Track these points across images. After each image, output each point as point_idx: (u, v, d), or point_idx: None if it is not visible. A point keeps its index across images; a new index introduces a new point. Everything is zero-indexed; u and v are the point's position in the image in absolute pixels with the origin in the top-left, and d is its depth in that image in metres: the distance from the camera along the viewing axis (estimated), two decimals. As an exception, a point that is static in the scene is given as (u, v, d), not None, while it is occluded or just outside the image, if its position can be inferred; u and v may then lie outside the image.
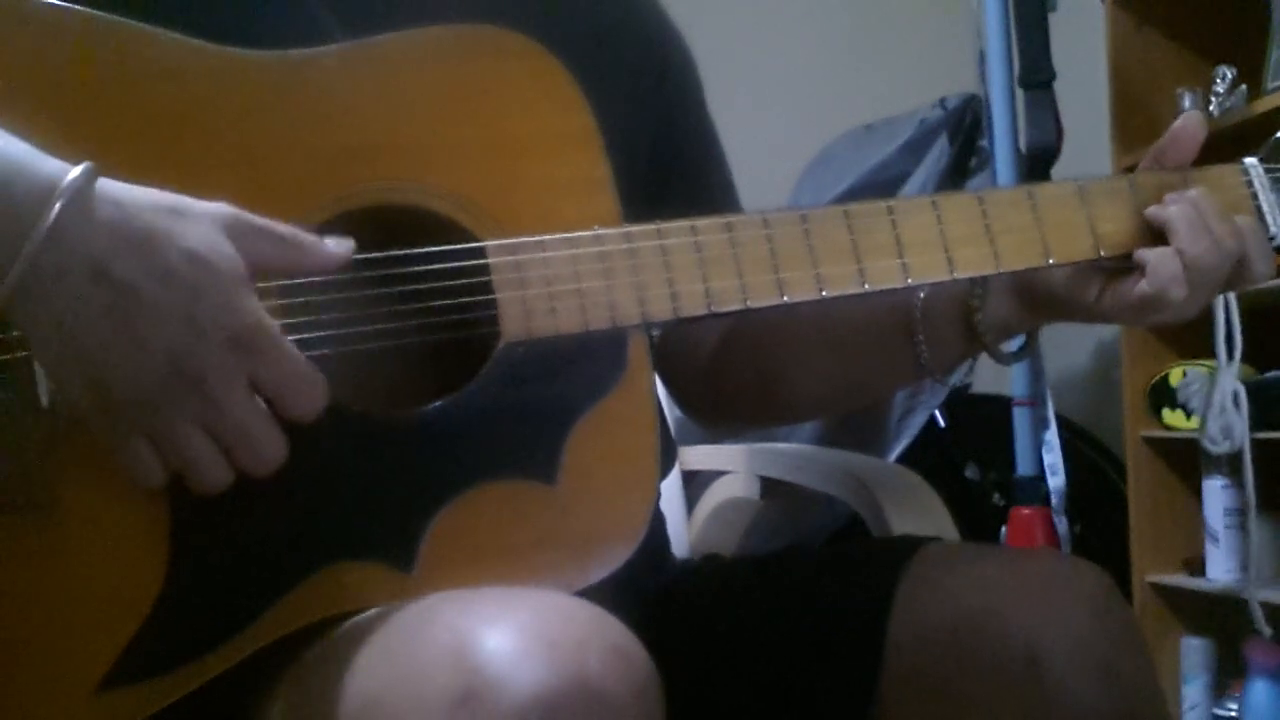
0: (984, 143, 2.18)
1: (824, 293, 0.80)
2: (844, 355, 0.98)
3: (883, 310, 0.95)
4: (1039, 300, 0.91)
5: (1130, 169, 0.92)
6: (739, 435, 1.47)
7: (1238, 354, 1.70)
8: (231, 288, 0.66)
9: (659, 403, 0.77)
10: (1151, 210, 0.87)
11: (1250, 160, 0.91)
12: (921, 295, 0.93)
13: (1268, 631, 2.02)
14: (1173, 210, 0.86)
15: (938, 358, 0.94)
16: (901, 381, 1.03)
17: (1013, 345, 0.96)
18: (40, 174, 0.64)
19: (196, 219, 0.66)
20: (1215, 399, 1.52)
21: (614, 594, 0.69)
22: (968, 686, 0.78)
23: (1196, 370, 2.14)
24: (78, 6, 0.71)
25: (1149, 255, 0.85)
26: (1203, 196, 0.86)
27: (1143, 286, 0.85)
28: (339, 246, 0.71)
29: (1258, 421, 2.01)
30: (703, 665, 0.87)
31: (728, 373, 1.00)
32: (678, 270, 0.77)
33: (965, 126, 2.25)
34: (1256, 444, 2.03)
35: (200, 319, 0.65)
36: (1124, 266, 0.87)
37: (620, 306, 0.76)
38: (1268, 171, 0.90)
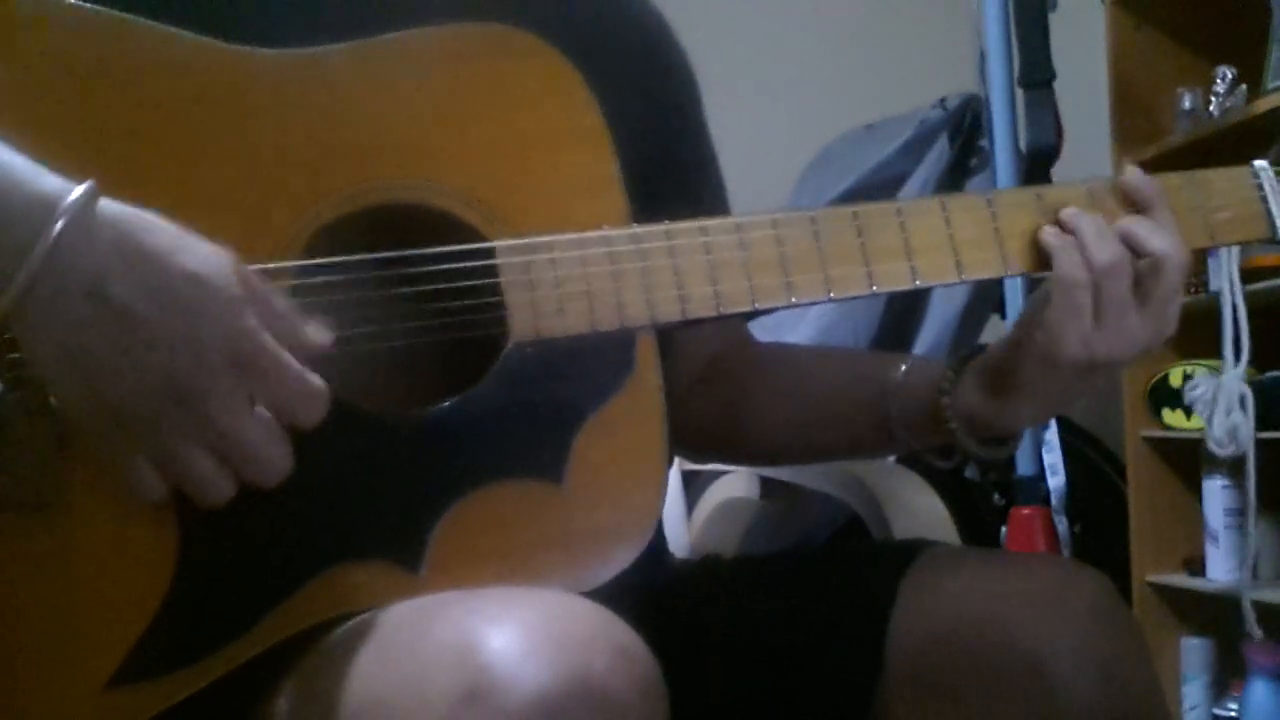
0: (984, 143, 2.19)
1: (832, 295, 0.80)
2: (811, 413, 0.96)
3: (860, 380, 0.94)
4: (1006, 384, 0.85)
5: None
6: (694, 462, 1.43)
7: (1244, 357, 1.68)
8: (232, 309, 0.65)
9: (666, 403, 0.77)
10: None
11: (1260, 163, 0.90)
12: (903, 370, 0.91)
13: (1258, 634, 2.03)
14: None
15: (913, 438, 0.91)
16: (868, 452, 1.00)
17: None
18: (41, 191, 0.63)
19: (198, 243, 0.66)
20: (1222, 402, 1.51)
21: (613, 593, 0.69)
22: (970, 692, 0.79)
23: (1203, 372, 2.13)
24: (89, 4, 0.71)
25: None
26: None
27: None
28: (320, 336, 0.70)
29: (1260, 422, 2.01)
30: (703, 666, 0.87)
31: (698, 402, 1.00)
32: (686, 272, 0.77)
33: (965, 126, 2.25)
34: (1259, 444, 2.03)
35: (201, 341, 0.64)
36: None
37: (628, 307, 0.76)
38: (1279, 175, 0.90)
